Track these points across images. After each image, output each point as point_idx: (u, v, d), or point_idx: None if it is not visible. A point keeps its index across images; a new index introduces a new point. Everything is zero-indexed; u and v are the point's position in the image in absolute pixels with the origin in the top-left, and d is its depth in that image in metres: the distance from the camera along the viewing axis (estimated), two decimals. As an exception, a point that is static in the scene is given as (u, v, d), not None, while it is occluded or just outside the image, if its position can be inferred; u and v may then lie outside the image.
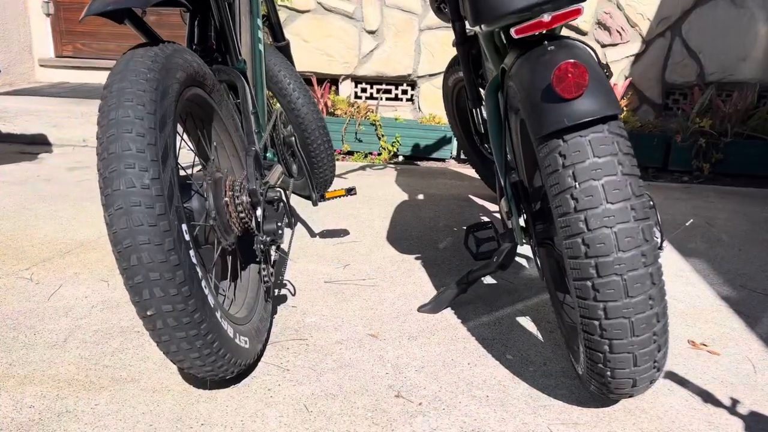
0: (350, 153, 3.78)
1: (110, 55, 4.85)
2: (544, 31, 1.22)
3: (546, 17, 1.16)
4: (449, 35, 3.61)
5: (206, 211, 1.29)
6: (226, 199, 1.34)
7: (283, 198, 1.40)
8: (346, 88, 4.08)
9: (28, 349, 1.49)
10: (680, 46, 3.65)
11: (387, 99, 4.10)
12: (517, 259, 2.14)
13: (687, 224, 2.50)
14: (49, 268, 1.97)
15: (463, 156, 3.66)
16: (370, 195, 2.92)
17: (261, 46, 1.99)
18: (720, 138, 3.39)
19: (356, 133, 3.72)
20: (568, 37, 1.23)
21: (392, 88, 4.10)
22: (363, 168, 3.51)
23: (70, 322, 1.63)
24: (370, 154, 3.77)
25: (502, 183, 1.46)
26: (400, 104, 4.10)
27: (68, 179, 3.04)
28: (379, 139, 3.72)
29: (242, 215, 1.37)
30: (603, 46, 3.73)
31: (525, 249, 2.15)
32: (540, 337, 1.63)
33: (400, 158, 3.78)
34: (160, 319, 1.09)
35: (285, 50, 2.49)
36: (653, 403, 1.35)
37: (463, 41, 1.83)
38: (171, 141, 1.13)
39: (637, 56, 3.72)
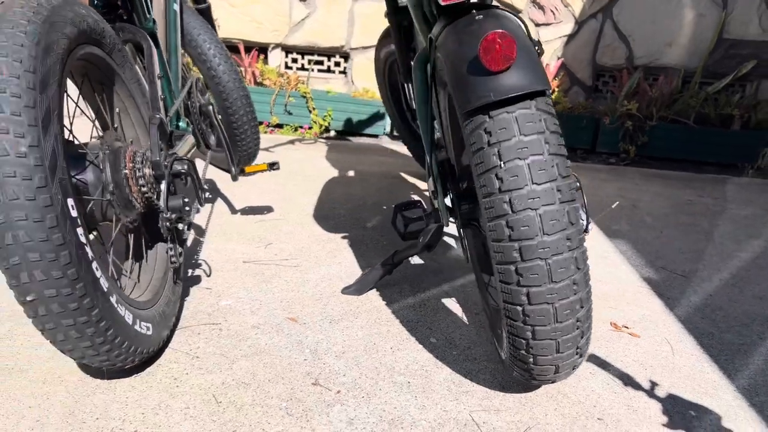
0: (279, 126, 3.64)
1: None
2: (474, 0, 1.15)
3: (475, -17, 1.09)
4: (383, 6, 3.51)
5: (102, 185, 1.16)
6: (126, 171, 1.21)
7: (192, 171, 1.28)
8: (276, 58, 3.92)
9: None
10: (611, 29, 3.68)
11: (319, 71, 3.96)
12: (446, 239, 2.09)
13: (613, 206, 2.53)
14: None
15: (396, 133, 3.59)
16: (298, 170, 2.81)
17: (176, 6, 1.84)
18: (646, 121, 3.45)
19: (286, 105, 3.58)
20: (498, 7, 1.16)
21: (324, 59, 3.96)
22: (292, 142, 3.38)
23: (-48, 305, 1.46)
24: (301, 127, 3.64)
25: (429, 161, 1.39)
26: (333, 77, 3.97)
27: None
28: (310, 112, 3.60)
29: (144, 189, 1.24)
30: (537, 25, 3.72)
31: (454, 229, 2.10)
32: (465, 319, 1.59)
33: (332, 133, 3.68)
34: (42, 305, 0.97)
35: (206, 13, 2.33)
36: (575, 387, 1.33)
37: (395, 12, 1.74)
38: (55, 104, 0.99)
39: (570, 37, 3.73)
